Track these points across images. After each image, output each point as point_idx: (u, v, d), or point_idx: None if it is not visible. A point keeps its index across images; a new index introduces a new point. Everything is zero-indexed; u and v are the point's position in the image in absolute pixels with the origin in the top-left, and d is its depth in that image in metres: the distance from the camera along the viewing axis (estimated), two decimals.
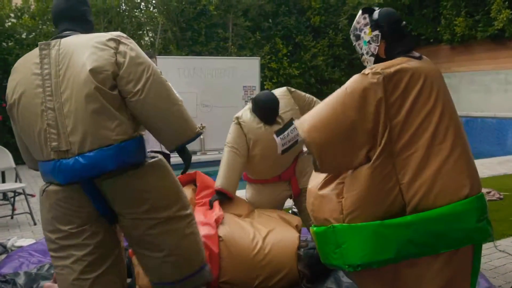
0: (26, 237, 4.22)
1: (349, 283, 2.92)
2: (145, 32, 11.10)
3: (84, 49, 2.04)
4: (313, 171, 2.52)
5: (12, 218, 4.99)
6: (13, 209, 5.09)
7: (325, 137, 2.20)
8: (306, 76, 11.43)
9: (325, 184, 2.32)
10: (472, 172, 2.25)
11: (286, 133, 3.49)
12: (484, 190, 5.39)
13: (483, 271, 3.06)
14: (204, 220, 2.94)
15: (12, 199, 5.20)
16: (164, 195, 2.18)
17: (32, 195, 5.51)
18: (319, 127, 2.22)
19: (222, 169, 3.44)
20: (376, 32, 2.37)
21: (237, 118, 3.55)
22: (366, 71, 2.23)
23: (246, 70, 5.50)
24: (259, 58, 6.04)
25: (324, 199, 2.29)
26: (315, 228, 2.34)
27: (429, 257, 2.16)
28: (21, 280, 3.11)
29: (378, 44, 2.38)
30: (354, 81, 2.23)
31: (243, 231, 2.96)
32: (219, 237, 2.85)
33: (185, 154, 2.27)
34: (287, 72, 11.06)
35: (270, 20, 11.54)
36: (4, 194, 5.49)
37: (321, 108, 2.28)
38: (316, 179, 2.41)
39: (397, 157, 2.15)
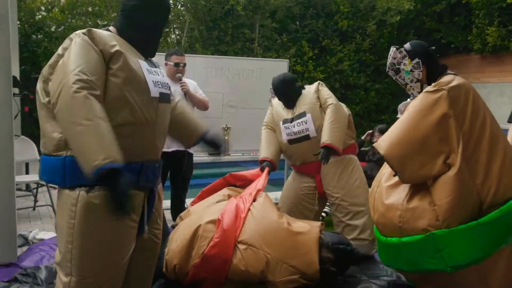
0: (47, 229, 4.24)
1: None
2: (171, 29, 11.10)
3: None
4: (384, 189, 2.71)
5: (34, 209, 5.02)
6: (35, 201, 5.12)
7: (402, 152, 2.44)
8: (331, 81, 11.29)
9: (410, 198, 2.50)
10: None
11: (292, 124, 3.64)
12: None
13: None
14: (244, 195, 3.19)
15: (34, 190, 5.23)
16: (60, 230, 1.91)
17: (54, 187, 5.53)
18: (395, 144, 2.46)
19: (261, 144, 3.80)
20: (416, 60, 2.68)
21: (271, 101, 4.02)
22: (430, 88, 2.49)
23: (274, 72, 5.38)
24: (288, 60, 5.94)
25: (416, 210, 2.45)
26: (403, 239, 2.50)
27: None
28: (42, 274, 3.11)
29: (421, 69, 2.69)
30: (420, 98, 2.51)
31: (273, 208, 3.09)
32: (249, 209, 3.03)
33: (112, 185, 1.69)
34: (312, 75, 10.94)
35: (297, 23, 11.42)
36: (27, 185, 5.54)
37: (395, 127, 2.53)
38: (393, 196, 2.59)
39: (469, 161, 2.40)
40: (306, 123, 3.54)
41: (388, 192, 2.63)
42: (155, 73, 2.05)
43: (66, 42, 1.89)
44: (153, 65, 2.12)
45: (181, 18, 10.83)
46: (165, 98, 2.08)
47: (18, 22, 8.14)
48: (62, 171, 1.83)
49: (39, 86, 1.92)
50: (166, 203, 4.73)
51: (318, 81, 3.74)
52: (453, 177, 2.36)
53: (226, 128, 5.21)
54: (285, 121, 3.65)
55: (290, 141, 3.63)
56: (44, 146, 1.91)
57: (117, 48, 1.88)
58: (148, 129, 1.97)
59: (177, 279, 2.89)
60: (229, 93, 5.18)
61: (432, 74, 2.68)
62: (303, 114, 3.56)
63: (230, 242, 2.79)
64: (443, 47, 12.21)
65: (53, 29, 9.82)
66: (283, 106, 3.74)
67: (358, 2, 11.55)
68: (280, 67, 5.42)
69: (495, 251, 2.38)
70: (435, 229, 2.37)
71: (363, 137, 5.64)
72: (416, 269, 2.57)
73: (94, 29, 1.92)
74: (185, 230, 2.88)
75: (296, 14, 11.27)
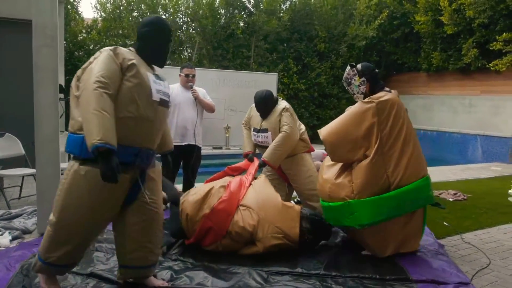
0: None
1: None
2: (184, 48, 11.04)
3: None
4: (324, 167, 3.00)
5: None
6: None
7: (335, 140, 2.77)
8: (311, 91, 11.28)
9: (338, 176, 2.83)
10: (423, 161, 2.82)
11: (258, 134, 3.72)
12: (451, 192, 5.38)
13: (453, 259, 2.95)
14: (246, 175, 3.31)
15: None
16: (57, 195, 2.05)
17: None
18: (331, 133, 2.79)
19: (244, 141, 3.89)
20: (363, 78, 2.89)
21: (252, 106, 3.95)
22: (365, 100, 2.77)
23: (266, 83, 5.37)
24: (277, 74, 5.92)
25: (339, 185, 2.78)
26: (331, 204, 2.83)
27: (402, 216, 2.75)
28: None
29: (365, 85, 2.90)
30: (356, 106, 2.79)
31: (271, 186, 3.21)
32: (251, 184, 3.15)
33: (102, 161, 1.82)
34: (296, 86, 10.93)
35: (285, 44, 11.38)
36: None
37: (335, 121, 2.84)
38: (328, 173, 2.89)
39: (385, 155, 2.69)
40: (267, 138, 3.62)
41: (326, 169, 2.94)
42: (159, 84, 2.17)
43: (97, 54, 2.05)
44: (160, 78, 2.22)
45: (192, 39, 10.75)
46: (164, 103, 2.19)
47: (64, 42, 8.03)
48: (80, 146, 1.96)
49: (73, 82, 2.06)
50: (179, 188, 4.69)
51: (284, 107, 3.60)
52: (366, 165, 2.68)
53: (227, 127, 5.20)
54: (255, 129, 3.73)
55: (256, 143, 3.78)
56: (71, 126, 2.03)
57: (133, 61, 2.04)
58: (148, 124, 2.08)
59: (186, 227, 2.93)
60: (230, 99, 5.15)
61: (373, 89, 2.89)
62: (266, 130, 3.62)
63: (234, 201, 2.91)
64: (398, 66, 12.24)
65: (91, 47, 9.73)
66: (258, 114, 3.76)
67: (333, 29, 11.54)
68: (270, 79, 5.41)
69: (389, 218, 2.70)
70: (350, 199, 2.70)
71: None
72: (339, 224, 2.92)
73: (120, 47, 2.09)
74: (201, 189, 3.00)
75: (284, 38, 11.24)
